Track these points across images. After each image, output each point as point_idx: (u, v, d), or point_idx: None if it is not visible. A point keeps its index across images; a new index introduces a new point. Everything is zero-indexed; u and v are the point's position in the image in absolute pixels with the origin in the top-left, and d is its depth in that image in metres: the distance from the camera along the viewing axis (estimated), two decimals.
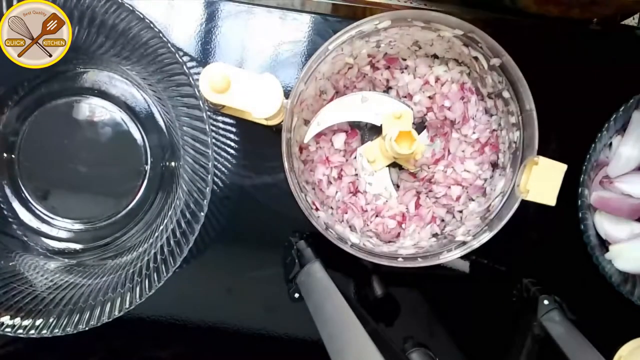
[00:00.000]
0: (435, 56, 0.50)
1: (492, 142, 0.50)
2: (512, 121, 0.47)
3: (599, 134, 0.47)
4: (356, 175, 0.51)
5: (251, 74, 0.42)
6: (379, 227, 0.50)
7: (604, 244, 0.50)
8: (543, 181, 0.42)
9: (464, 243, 0.46)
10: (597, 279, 0.47)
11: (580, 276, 0.51)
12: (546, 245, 0.54)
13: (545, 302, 0.49)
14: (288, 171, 0.44)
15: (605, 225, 0.50)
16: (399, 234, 0.51)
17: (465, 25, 0.44)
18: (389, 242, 0.50)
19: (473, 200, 0.51)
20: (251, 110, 0.42)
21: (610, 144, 0.50)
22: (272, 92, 0.41)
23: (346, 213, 0.50)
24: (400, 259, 0.45)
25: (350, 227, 0.50)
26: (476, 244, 0.45)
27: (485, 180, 0.51)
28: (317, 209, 0.47)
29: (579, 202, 0.47)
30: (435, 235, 0.51)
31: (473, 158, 0.50)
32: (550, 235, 0.53)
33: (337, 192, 0.51)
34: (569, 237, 0.49)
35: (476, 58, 0.47)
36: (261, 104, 0.42)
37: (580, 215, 0.47)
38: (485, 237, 0.44)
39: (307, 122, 0.50)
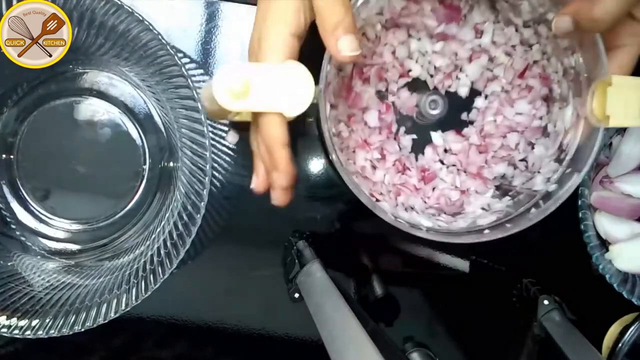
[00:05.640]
0: None
1: (541, 74, 0.45)
2: (563, 45, 0.41)
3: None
4: (400, 150, 0.46)
5: (269, 66, 0.33)
6: (441, 200, 0.45)
7: (604, 244, 0.50)
8: (623, 102, 0.36)
9: (549, 195, 0.40)
10: (597, 279, 0.47)
11: (580, 276, 0.51)
12: (546, 245, 0.54)
13: (545, 302, 0.49)
14: (339, 168, 0.37)
15: (605, 225, 0.50)
16: (462, 202, 0.46)
17: None
18: (456, 214, 0.45)
19: (534, 143, 0.46)
20: (281, 109, 0.33)
21: (610, 143, 0.50)
22: (300, 81, 0.33)
23: (399, 195, 0.45)
24: (486, 231, 0.39)
25: (407, 209, 0.45)
26: (564, 193, 0.38)
27: (542, 117, 0.45)
28: (377, 200, 0.42)
29: (579, 202, 0.47)
30: (503, 194, 0.45)
31: (523, 97, 0.45)
32: (550, 235, 0.53)
33: (385, 175, 0.45)
34: (569, 237, 0.49)
35: None
36: (290, 98, 0.33)
37: (580, 215, 0.47)
38: (574, 181, 0.38)
39: (332, 107, 0.44)
